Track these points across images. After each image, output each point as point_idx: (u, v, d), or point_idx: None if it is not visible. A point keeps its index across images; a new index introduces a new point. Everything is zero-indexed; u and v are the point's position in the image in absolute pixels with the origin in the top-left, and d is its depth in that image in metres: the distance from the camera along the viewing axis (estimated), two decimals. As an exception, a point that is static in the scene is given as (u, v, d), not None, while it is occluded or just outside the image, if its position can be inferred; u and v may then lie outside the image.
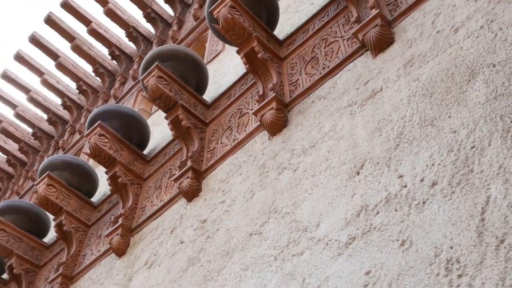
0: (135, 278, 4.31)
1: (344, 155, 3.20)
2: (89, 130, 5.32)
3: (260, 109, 4.07)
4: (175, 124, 4.80)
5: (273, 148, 3.89)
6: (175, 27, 8.54)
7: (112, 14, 9.06)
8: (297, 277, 2.88)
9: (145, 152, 5.70)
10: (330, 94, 3.74)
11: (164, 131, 5.85)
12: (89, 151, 5.28)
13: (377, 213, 2.70)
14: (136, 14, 9.27)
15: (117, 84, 9.21)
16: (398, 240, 2.50)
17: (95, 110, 5.53)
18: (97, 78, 9.79)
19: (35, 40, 9.64)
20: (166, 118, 4.87)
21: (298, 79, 4.17)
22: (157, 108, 6.99)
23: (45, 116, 10.54)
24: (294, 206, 3.29)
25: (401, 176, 2.71)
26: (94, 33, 9.24)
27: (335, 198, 3.04)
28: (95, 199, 6.08)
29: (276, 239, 3.23)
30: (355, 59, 3.67)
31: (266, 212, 3.48)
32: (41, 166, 5.84)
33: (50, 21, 9.32)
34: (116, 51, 9.39)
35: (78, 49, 9.48)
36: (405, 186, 2.65)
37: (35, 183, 5.74)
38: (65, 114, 10.41)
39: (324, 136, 3.49)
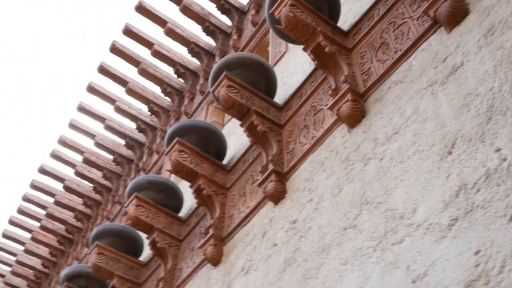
0: (233, 285, 4.30)
1: (432, 136, 3.07)
2: (168, 148, 5.38)
3: (335, 103, 3.99)
4: (251, 130, 4.78)
5: (355, 140, 3.79)
6: (234, 36, 8.57)
7: (172, 33, 9.20)
8: (401, 265, 2.78)
9: (225, 162, 5.71)
10: (407, 77, 3.61)
11: (240, 139, 5.84)
12: (171, 168, 5.33)
13: (478, 190, 2.57)
14: (195, 30, 9.36)
15: (186, 101, 9.33)
16: (505, 216, 2.36)
17: (171, 128, 5.60)
18: (166, 97, 9.95)
19: (103, 70, 9.92)
20: (241, 125, 4.86)
21: (370, 67, 4.06)
22: (229, 118, 7.03)
23: (122, 142, 10.81)
24: (386, 195, 3.19)
25: (498, 150, 2.56)
26: (157, 54, 9.40)
27: (429, 182, 2.91)
28: (182, 214, 6.15)
29: (372, 230, 3.14)
30: (428, 37, 3.52)
31: (357, 204, 3.38)
32: (128, 189, 5.96)
33: (115, 49, 9.57)
34: (180, 68, 9.51)
35: (144, 73, 9.68)
36: (505, 159, 2.50)
37: (125, 205, 5.87)
38: (140, 137, 10.65)
39: (407, 121, 3.36)
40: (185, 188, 6.52)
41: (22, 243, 13.51)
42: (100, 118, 10.62)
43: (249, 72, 5.13)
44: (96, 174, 11.37)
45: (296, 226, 3.89)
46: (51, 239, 12.74)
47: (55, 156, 11.80)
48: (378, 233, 3.06)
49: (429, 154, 3.02)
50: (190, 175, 5.30)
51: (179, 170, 5.28)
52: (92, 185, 11.54)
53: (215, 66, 5.22)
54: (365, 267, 3.01)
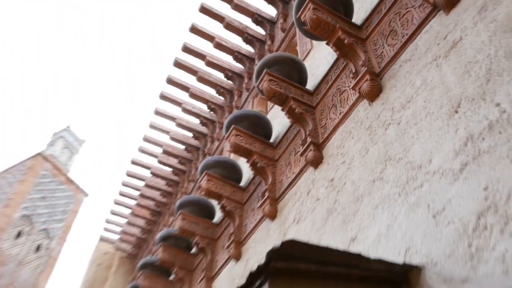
0: (288, 233, 4.27)
1: (440, 100, 2.94)
2: (227, 134, 5.36)
3: (356, 83, 3.87)
4: (290, 113, 4.70)
5: (375, 111, 3.67)
6: (268, 42, 8.45)
7: (220, 46, 9.16)
8: (422, 204, 2.68)
9: (271, 140, 5.65)
10: (414, 55, 3.46)
11: (282, 122, 5.77)
12: (231, 149, 5.32)
13: (483, 139, 2.44)
14: (237, 41, 9.29)
15: (235, 97, 9.30)
16: (508, 157, 2.23)
17: (228, 118, 5.58)
18: (220, 97, 9.93)
19: (171, 80, 9.99)
20: (282, 110, 4.79)
21: (382, 52, 3.91)
22: (272, 106, 6.96)
23: (190, 135, 10.89)
24: (405, 152, 3.08)
25: (498, 104, 2.42)
26: (210, 64, 9.39)
27: (440, 137, 2.79)
28: (242, 183, 6.14)
29: (396, 180, 3.03)
30: (429, 21, 3.35)
31: (382, 161, 3.28)
32: (199, 168, 6.00)
33: (178, 64, 9.62)
34: (229, 73, 9.47)
35: (202, 79, 9.70)
36: (504, 111, 2.36)
37: (198, 180, 5.90)
38: (204, 129, 10.69)
39: (418, 90, 3.23)
40: (242, 164, 6.52)
41: (125, 217, 13.85)
42: (171, 118, 10.72)
43: (285, 67, 5.05)
44: (173, 161, 11.50)
45: (334, 183, 3.82)
46: (150, 204, 12.91)
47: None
48: (401, 182, 2.96)
49: (439, 115, 2.89)
50: (246, 153, 5.29)
51: (237, 149, 5.27)
52: (171, 169, 11.69)
53: (257, 65, 5.16)
54: (392, 209, 2.92)
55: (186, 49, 9.38)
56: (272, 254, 2.01)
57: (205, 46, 9.45)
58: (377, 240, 2.89)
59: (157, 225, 12.69)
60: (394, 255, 2.66)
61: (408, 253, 2.55)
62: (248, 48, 9.26)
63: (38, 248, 28.93)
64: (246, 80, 8.94)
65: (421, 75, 3.27)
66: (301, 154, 4.43)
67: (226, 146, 8.71)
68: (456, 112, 2.73)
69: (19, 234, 28.14)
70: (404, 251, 2.59)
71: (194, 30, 9.04)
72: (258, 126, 5.53)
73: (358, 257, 2.29)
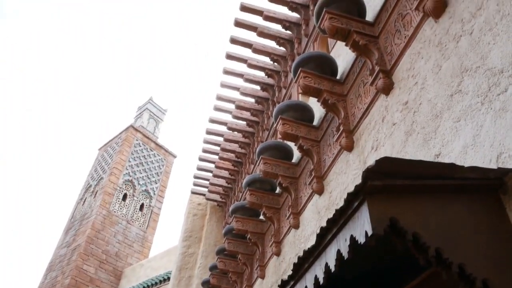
0: (368, 161, 4.14)
1: (516, -1, 2.59)
2: (296, 77, 5.21)
3: (419, 3, 3.54)
4: (354, 46, 4.44)
5: (443, 26, 3.35)
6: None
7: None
8: (510, 108, 2.43)
9: (338, 77, 5.43)
10: (478, -38, 3.06)
11: (346, 58, 5.51)
12: (301, 90, 5.18)
13: None
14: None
15: (296, 46, 9.03)
16: None
17: (294, 62, 5.41)
18: (281, 48, 9.68)
19: (234, 40, 9.87)
20: (346, 45, 4.54)
21: (442, -33, 3.51)
22: (333, 45, 6.65)
23: (258, 87, 10.81)
24: (482, 59, 2.78)
25: None
26: (268, 18, 9.15)
27: (521, 36, 2.48)
28: (315, 122, 6.01)
29: (476, 89, 2.77)
30: None
31: (458, 74, 3.01)
32: (274, 113, 5.94)
33: (238, 23, 9.45)
34: (286, 23, 9.17)
35: (262, 34, 9.49)
36: None
37: (275, 126, 5.86)
38: (270, 80, 10.56)
39: (488, -5, 2.87)
40: (312, 104, 6.37)
41: (210, 172, 14.32)
42: (239, 75, 10.67)
43: (342, 4, 4.73)
44: (247, 114, 11.56)
45: (408, 106, 3.60)
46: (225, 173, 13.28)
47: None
48: (483, 90, 2.70)
49: (516, 15, 2.56)
50: (315, 92, 5.12)
51: (307, 90, 5.12)
52: (244, 122, 11.78)
53: (316, 6, 4.89)
54: (477, 119, 2.68)
55: (244, 8, 9.15)
56: (368, 173, 1.92)
57: (261, 2, 9.17)
58: (464, 152, 2.69)
59: (239, 174, 12.98)
60: (485, 163, 2.46)
61: (500, 159, 2.35)
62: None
63: (141, 207, 30.95)
64: (303, 27, 8.59)
65: (490, -21, 2.89)
66: (371, 84, 4.21)
67: (294, 92, 8.55)
68: (538, 7, 2.40)
69: (124, 197, 30.19)
70: (495, 158, 2.39)
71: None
72: (324, 65, 5.30)
73: (451, 167, 2.13)
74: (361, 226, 1.92)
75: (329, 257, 2.14)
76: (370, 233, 1.82)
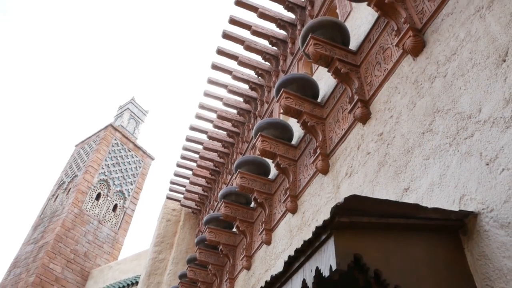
0: (341, 186, 4.26)
1: (486, 50, 2.76)
2: (278, 97, 5.32)
3: (400, 40, 3.70)
4: (336, 73, 4.58)
5: (420, 65, 3.51)
6: (309, 8, 8.16)
7: (263, 15, 9.00)
8: (474, 153, 2.57)
9: (319, 100, 5.56)
10: (456, 8, 3.24)
11: (328, 82, 5.65)
12: (282, 110, 5.29)
13: (535, 85, 2.28)
14: (279, 9, 9.11)
15: (281, 62, 9.18)
16: None
17: (277, 82, 5.51)
18: (266, 63, 9.82)
19: (220, 51, 9.96)
20: (328, 71, 4.68)
21: (423, 7, 3.69)
22: (316, 67, 6.80)
23: (241, 99, 10.90)
24: (453, 103, 2.94)
25: (550, 50, 2.24)
26: (256, 33, 9.27)
27: (489, 86, 2.64)
28: (294, 142, 6.12)
29: (446, 130, 2.92)
30: (473, -28, 3.11)
31: (430, 113, 3.16)
32: (254, 129, 6.02)
33: (226, 35, 9.54)
34: (273, 40, 9.31)
35: (249, 48, 9.61)
36: (557, 56, 2.18)
37: (254, 142, 5.94)
38: (253, 94, 10.67)
39: (462, 42, 3.04)
40: (292, 123, 6.49)
41: (191, 169, 14.29)
42: (223, 85, 10.75)
43: (328, 31, 4.88)
44: (228, 124, 11.62)
45: (383, 137, 3.74)
46: (206, 173, 13.32)
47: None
48: (452, 132, 2.85)
49: (486, 65, 2.72)
50: (296, 113, 5.24)
51: (288, 111, 5.23)
52: (225, 132, 11.84)
53: (302, 31, 5.02)
54: (444, 159, 2.83)
55: (233, 21, 9.27)
56: (337, 210, 2.02)
57: (250, 17, 9.32)
58: (430, 189, 2.83)
59: (216, 183, 13.01)
60: (448, 203, 2.59)
61: (462, 201, 2.48)
62: (289, 15, 9.02)
63: (115, 207, 30.53)
64: (290, 45, 8.75)
65: (465, 27, 3.07)
66: (349, 112, 4.34)
67: (276, 107, 8.67)
68: (504, 61, 2.57)
69: (98, 196, 29.74)
70: (458, 199, 2.52)
71: (239, 3, 8.91)
72: (306, 88, 5.43)
73: (415, 207, 2.25)
74: (326, 260, 2.01)
75: (295, 286, 2.23)
76: (334, 267, 1.91)
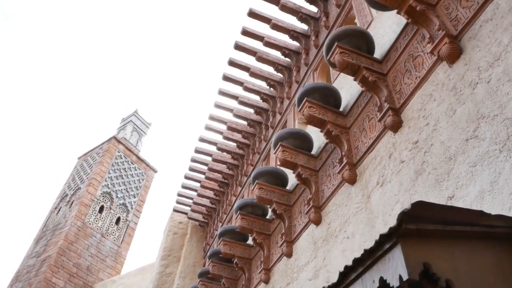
0: (373, 195, 4.16)
1: (537, 54, 2.68)
2: (301, 106, 5.25)
3: (434, 47, 3.65)
4: (363, 81, 4.52)
5: (458, 72, 3.44)
6: (324, 19, 8.16)
7: (276, 27, 9.01)
8: (529, 160, 2.48)
9: (341, 109, 5.49)
10: (496, 14, 3.19)
11: (350, 91, 5.59)
12: (305, 120, 5.22)
13: None
14: (292, 20, 9.08)
15: (294, 73, 9.14)
16: None
17: (299, 92, 5.45)
18: (278, 74, 9.79)
19: (232, 62, 9.94)
20: (355, 79, 4.62)
21: (457, 15, 3.64)
22: (336, 77, 6.74)
23: (252, 111, 10.85)
24: (501, 108, 2.86)
25: None
26: (268, 44, 9.26)
27: (543, 90, 2.56)
28: (313, 152, 6.03)
29: (494, 136, 2.84)
30: (518, -24, 3.07)
31: (474, 119, 3.08)
32: (274, 139, 5.95)
33: (238, 47, 9.53)
34: (286, 51, 9.31)
35: (261, 59, 9.59)
36: None
37: (274, 152, 5.86)
38: (264, 105, 10.61)
39: (506, 47, 2.98)
40: (310, 133, 6.40)
41: (199, 181, 14.16)
42: (234, 96, 10.71)
43: (353, 39, 4.84)
44: (238, 136, 11.54)
45: (419, 145, 3.65)
46: (214, 184, 13.21)
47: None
48: (501, 138, 2.76)
49: (537, 69, 2.65)
50: (319, 123, 5.17)
51: (311, 120, 5.16)
52: (235, 144, 11.77)
53: (327, 40, 4.99)
54: (495, 165, 2.74)
55: (245, 33, 9.28)
56: (404, 216, 1.92)
57: (262, 28, 9.33)
58: (480, 197, 2.73)
59: (225, 195, 12.88)
60: (504, 210, 2.50)
61: (521, 208, 2.39)
62: (303, 26, 9.02)
63: (118, 221, 30.31)
64: (304, 56, 8.73)
65: (508, 32, 3.01)
66: (379, 120, 4.26)
67: (290, 118, 8.61)
68: (561, 64, 2.49)
69: (101, 209, 29.48)
70: (516, 205, 2.43)
71: (252, 14, 8.92)
72: (329, 97, 5.37)
73: (479, 214, 2.15)
74: (393, 269, 1.91)
75: (354, 297, 2.12)
76: (405, 277, 1.81)
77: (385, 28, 5.27)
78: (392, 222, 3.54)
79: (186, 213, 15.24)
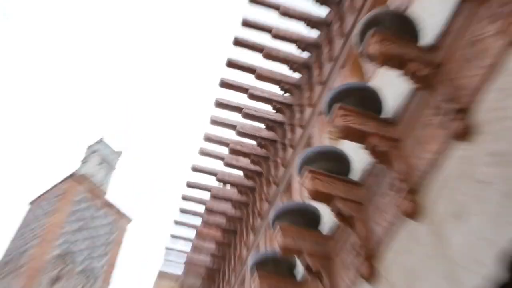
0: (449, 234, 4.10)
1: None
2: (331, 114, 5.30)
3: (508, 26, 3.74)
4: (414, 76, 4.61)
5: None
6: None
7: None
8: None
9: (385, 116, 5.54)
10: None
11: (395, 90, 5.61)
12: (340, 134, 5.27)
13: None
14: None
15: (316, 72, 9.29)
16: None
17: (328, 94, 5.54)
18: (295, 74, 9.94)
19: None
20: (404, 74, 4.71)
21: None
22: (369, 75, 6.85)
23: (262, 125, 10.99)
24: None
25: None
26: (278, 36, 9.45)
27: None
28: (356, 177, 6.01)
29: None
30: None
31: None
32: (298, 162, 5.99)
33: (239, 42, 9.74)
34: (301, 44, 9.49)
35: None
36: None
37: (300, 180, 5.88)
38: (278, 116, 10.75)
39: None
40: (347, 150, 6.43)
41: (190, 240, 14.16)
42: (238, 109, 10.84)
43: (393, 25, 4.93)
44: (244, 162, 11.64)
45: (504, 157, 3.64)
46: (215, 235, 13.22)
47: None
48: None
49: None
50: (358, 136, 5.22)
51: (347, 133, 5.22)
52: (241, 172, 11.85)
53: (359, 25, 5.10)
54: None
55: (247, 24, 9.54)
56: None
57: (270, 17, 9.54)
58: None
59: (233, 247, 12.78)
60: None
61: None
62: (321, 12, 9.23)
63: (80, 295, 30.03)
64: (326, 49, 8.86)
65: None
66: (441, 127, 4.32)
67: (315, 132, 8.70)
68: None
69: (56, 280, 29.23)
70: None
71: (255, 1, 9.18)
72: (368, 100, 5.44)
73: None
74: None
75: None
76: None
77: (433, 6, 5.38)
78: (484, 271, 3.53)
79: (177, 277, 14.97)
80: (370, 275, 5.16)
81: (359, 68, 8.02)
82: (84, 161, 36.36)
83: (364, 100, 5.44)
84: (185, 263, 14.46)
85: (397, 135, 5.23)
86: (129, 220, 35.13)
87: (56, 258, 29.39)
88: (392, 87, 5.82)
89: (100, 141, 37.38)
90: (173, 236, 14.44)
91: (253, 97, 10.40)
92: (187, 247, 14.60)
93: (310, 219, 6.49)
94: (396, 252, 4.87)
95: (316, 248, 6.26)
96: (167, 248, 14.86)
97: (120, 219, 34.41)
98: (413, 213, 4.62)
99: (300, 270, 6.89)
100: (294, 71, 9.71)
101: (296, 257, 6.35)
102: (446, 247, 4.12)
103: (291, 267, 7.02)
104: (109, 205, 33.55)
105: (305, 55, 9.64)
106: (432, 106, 4.69)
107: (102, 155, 36.79)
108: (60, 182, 32.47)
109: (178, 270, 15.27)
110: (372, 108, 5.46)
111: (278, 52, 9.69)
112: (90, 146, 37.56)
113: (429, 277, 4.26)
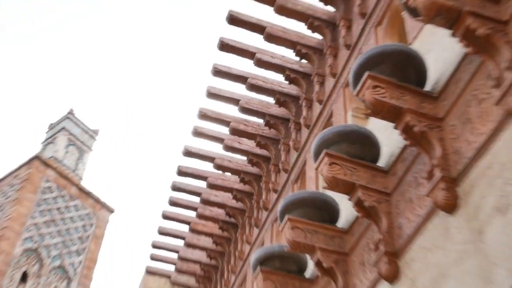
0: (488, 229, 4.15)
1: None
2: (359, 86, 5.23)
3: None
4: (469, 38, 4.43)
5: None
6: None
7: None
8: None
9: (428, 89, 5.45)
10: None
11: (442, 56, 5.55)
12: (369, 108, 5.22)
13: None
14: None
15: (342, 31, 9.21)
16: None
17: (358, 61, 5.47)
18: (314, 35, 9.87)
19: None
20: (453, 34, 4.57)
21: None
22: (416, 34, 6.71)
23: (271, 99, 10.93)
24: None
25: None
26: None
27: None
28: (382, 163, 6.02)
29: None
30: None
31: None
32: (314, 145, 5.95)
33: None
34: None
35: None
36: None
37: (315, 166, 5.85)
38: (292, 89, 10.67)
39: None
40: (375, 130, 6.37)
41: (182, 238, 14.21)
42: (241, 79, 10.81)
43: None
44: (248, 144, 11.60)
45: None
46: (212, 227, 13.28)
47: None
48: None
49: None
50: (392, 114, 5.16)
51: (378, 109, 5.17)
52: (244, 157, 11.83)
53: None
54: None
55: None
56: None
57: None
58: None
59: (233, 243, 12.88)
60: None
61: None
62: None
63: (54, 296, 30.46)
64: (358, 1, 8.68)
65: None
66: (497, 103, 4.19)
67: (338, 108, 8.62)
68: None
69: (24, 277, 29.66)
70: None
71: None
72: (407, 68, 5.35)
73: None
74: None
75: None
76: None
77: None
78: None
79: (168, 276, 15.24)
80: (392, 274, 5.28)
81: (400, 26, 7.88)
82: (48, 142, 36.10)
83: (402, 67, 5.34)
84: (178, 259, 14.61)
85: (441, 113, 5.16)
86: (111, 210, 35.17)
87: (25, 253, 29.50)
88: (439, 51, 5.72)
89: (69, 116, 36.89)
90: (162, 231, 14.48)
91: (260, 63, 10.23)
92: (178, 241, 14.66)
93: (326, 211, 6.52)
94: (424, 249, 4.95)
95: (331, 244, 6.36)
96: (155, 242, 14.94)
97: (100, 209, 34.47)
98: (449, 205, 4.65)
99: (310, 266, 7.05)
100: (314, 30, 9.53)
101: (308, 253, 6.42)
102: (481, 242, 4.18)
103: (301, 264, 7.18)
104: (85, 193, 33.54)
105: (329, 8, 9.46)
106: (490, 75, 4.52)
107: (72, 134, 36.46)
108: (20, 167, 32.38)
109: (169, 266, 15.42)
110: (411, 78, 5.37)
111: (295, 5, 9.48)
112: (54, 123, 37.19)
113: (460, 276, 4.34)
